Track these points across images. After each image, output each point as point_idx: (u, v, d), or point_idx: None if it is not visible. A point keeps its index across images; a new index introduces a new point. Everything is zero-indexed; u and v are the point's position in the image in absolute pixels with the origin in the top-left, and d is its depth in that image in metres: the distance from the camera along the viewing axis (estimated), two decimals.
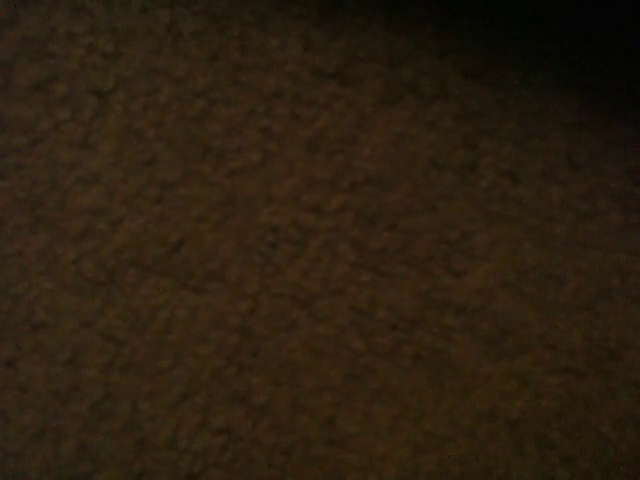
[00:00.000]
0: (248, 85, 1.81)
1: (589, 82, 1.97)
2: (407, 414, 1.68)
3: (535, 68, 1.96)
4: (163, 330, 1.70)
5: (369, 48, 1.88)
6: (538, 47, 1.98)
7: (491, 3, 2.01)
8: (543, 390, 1.73)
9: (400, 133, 1.85)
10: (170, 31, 1.80)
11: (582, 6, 2.02)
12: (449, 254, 1.80)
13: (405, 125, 1.86)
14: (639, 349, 1.80)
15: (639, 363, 1.79)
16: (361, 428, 1.67)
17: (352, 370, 1.71)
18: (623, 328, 1.80)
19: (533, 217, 1.82)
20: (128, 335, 1.69)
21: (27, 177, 1.70)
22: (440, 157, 1.85)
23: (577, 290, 1.81)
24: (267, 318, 1.73)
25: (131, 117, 1.78)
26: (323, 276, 1.77)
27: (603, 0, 2.00)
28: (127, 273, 1.72)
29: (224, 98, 1.79)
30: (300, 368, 1.70)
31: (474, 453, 1.72)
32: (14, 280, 1.68)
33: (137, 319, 1.71)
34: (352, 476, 1.69)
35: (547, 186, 1.84)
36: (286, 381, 1.68)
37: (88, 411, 1.64)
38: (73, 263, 1.71)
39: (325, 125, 1.83)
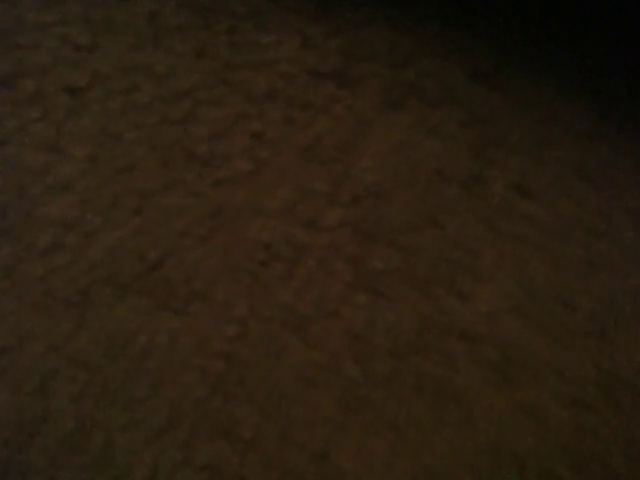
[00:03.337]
0: (238, 85, 1.66)
1: (601, 87, 1.85)
2: (405, 447, 1.56)
3: (546, 71, 1.83)
4: (141, 356, 1.56)
5: (370, 47, 1.73)
6: (549, 49, 1.86)
7: (502, 3, 1.88)
8: (550, 422, 1.62)
9: (402, 141, 1.70)
10: (152, 23, 1.64)
11: (597, 9, 1.91)
12: (453, 274, 1.67)
13: (408, 132, 1.72)
14: None
15: None
16: (356, 463, 1.54)
17: (346, 400, 1.58)
18: (636, 356, 1.69)
19: (543, 235, 1.70)
20: (102, 361, 1.54)
21: None
22: (445, 168, 1.71)
23: (588, 315, 1.70)
24: (255, 343, 1.60)
25: (108, 118, 1.63)
26: (317, 297, 1.64)
27: (620, 4, 1.89)
28: (101, 292, 1.58)
29: (211, 99, 1.65)
30: (290, 398, 1.57)
31: None
32: None
33: (112, 343, 1.56)
34: None
35: (558, 201, 1.72)
36: (275, 412, 1.55)
37: (57, 444, 1.50)
38: (41, 281, 1.56)
39: (322, 131, 1.68)
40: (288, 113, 1.67)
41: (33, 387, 1.53)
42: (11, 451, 1.50)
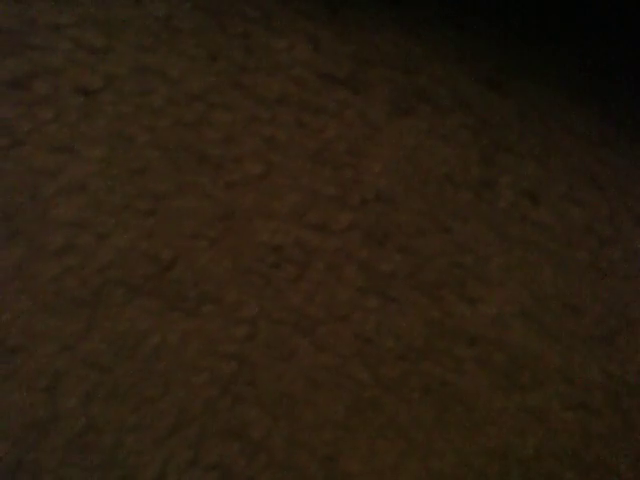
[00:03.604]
0: (250, 89, 1.67)
1: (611, 92, 1.85)
2: (414, 451, 1.57)
3: (558, 78, 1.84)
4: (152, 356, 1.57)
5: (382, 51, 1.74)
6: (562, 55, 1.86)
7: (513, 6, 1.88)
8: (558, 427, 1.62)
9: (413, 146, 1.71)
10: (166, 26, 1.65)
11: (610, 14, 1.91)
12: (463, 279, 1.68)
13: (419, 138, 1.73)
14: None
15: None
16: (364, 466, 1.55)
17: (355, 403, 1.59)
18: None
19: (553, 241, 1.71)
20: (113, 361, 1.55)
21: (4, 184, 1.55)
22: (456, 174, 1.72)
23: (597, 321, 1.71)
24: (265, 345, 1.60)
25: (121, 120, 1.63)
26: (327, 301, 1.64)
27: (636, 12, 1.90)
28: (113, 293, 1.58)
29: (224, 102, 1.65)
30: (300, 400, 1.57)
31: None
32: None
33: (123, 344, 1.57)
34: None
35: (569, 208, 1.73)
36: (284, 414, 1.56)
37: (68, 444, 1.50)
38: (53, 281, 1.56)
39: (333, 135, 1.69)
40: (299, 117, 1.67)
41: (44, 387, 1.53)
42: (21, 450, 1.51)
